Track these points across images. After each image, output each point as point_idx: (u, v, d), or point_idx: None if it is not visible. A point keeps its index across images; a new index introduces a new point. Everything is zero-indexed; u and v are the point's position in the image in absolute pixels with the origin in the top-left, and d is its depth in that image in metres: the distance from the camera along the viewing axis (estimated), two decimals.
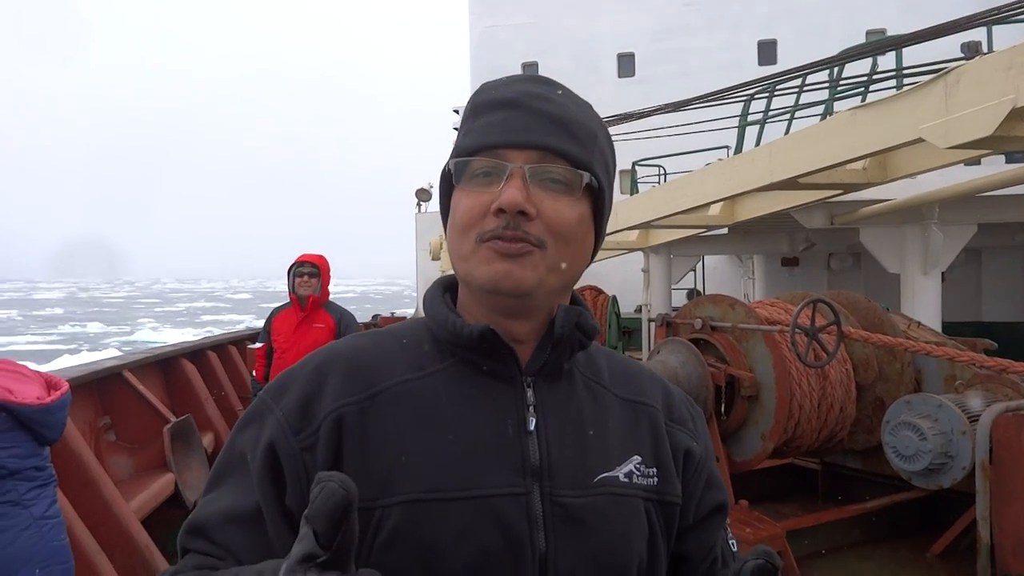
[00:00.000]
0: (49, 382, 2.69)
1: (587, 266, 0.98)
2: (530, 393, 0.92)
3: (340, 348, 0.95)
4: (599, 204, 0.93)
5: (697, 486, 1.00)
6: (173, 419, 5.49)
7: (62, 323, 69.97)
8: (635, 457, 0.95)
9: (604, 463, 0.92)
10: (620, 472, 0.93)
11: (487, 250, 0.87)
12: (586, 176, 0.89)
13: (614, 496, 0.91)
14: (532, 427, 0.90)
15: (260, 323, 5.34)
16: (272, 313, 5.24)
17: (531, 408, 0.91)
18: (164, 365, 6.57)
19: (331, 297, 5.20)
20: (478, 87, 0.96)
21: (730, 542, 1.06)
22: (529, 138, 0.88)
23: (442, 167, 0.95)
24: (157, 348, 7.25)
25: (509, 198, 0.85)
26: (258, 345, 5.25)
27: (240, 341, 8.63)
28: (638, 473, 0.94)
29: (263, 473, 0.87)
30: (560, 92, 0.93)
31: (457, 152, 0.91)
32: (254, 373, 5.26)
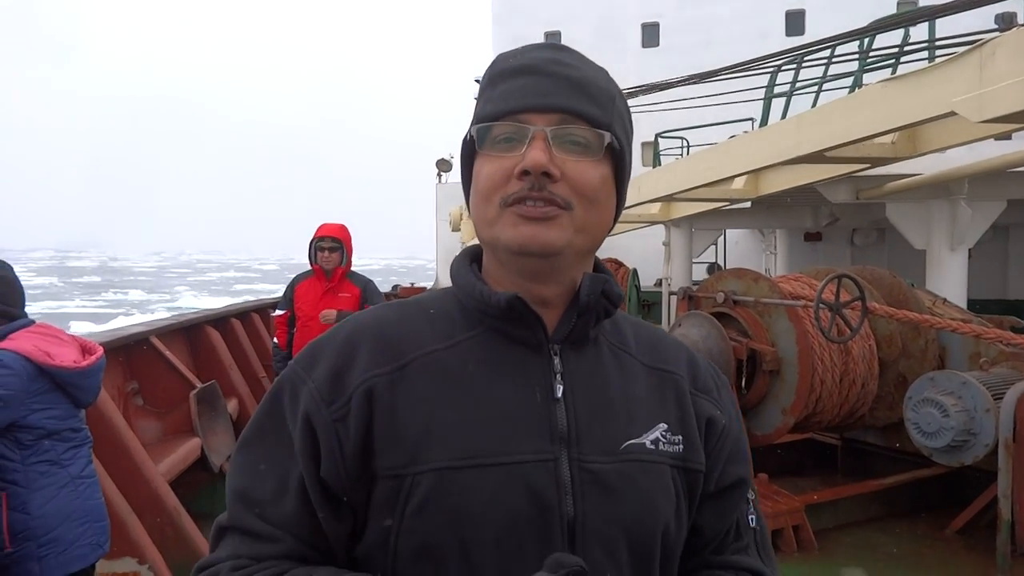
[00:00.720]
0: (84, 346, 2.76)
1: (611, 228, 0.98)
2: (557, 360, 0.93)
3: (368, 319, 0.96)
4: (620, 165, 0.94)
5: (719, 456, 1.00)
6: (199, 385, 5.58)
7: (103, 290, 71.23)
8: (661, 424, 0.95)
9: (631, 430, 0.93)
10: (647, 439, 0.93)
11: (512, 215, 0.88)
12: (607, 136, 0.90)
13: (641, 463, 0.92)
14: (559, 394, 0.91)
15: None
16: (294, 281, 5.26)
17: (558, 375, 0.92)
18: (189, 332, 6.66)
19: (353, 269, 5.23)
20: (494, 58, 0.96)
21: (749, 517, 1.04)
22: (550, 101, 0.88)
23: (463, 136, 0.95)
24: (182, 315, 7.34)
25: (533, 159, 0.86)
26: (280, 312, 5.28)
27: (263, 309, 8.71)
28: (664, 440, 0.94)
29: (303, 444, 0.88)
30: (576, 57, 0.94)
31: (478, 119, 0.92)
32: (276, 340, 5.31)
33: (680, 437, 0.96)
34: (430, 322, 0.95)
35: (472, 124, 0.93)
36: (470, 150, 0.94)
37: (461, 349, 0.92)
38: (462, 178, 0.98)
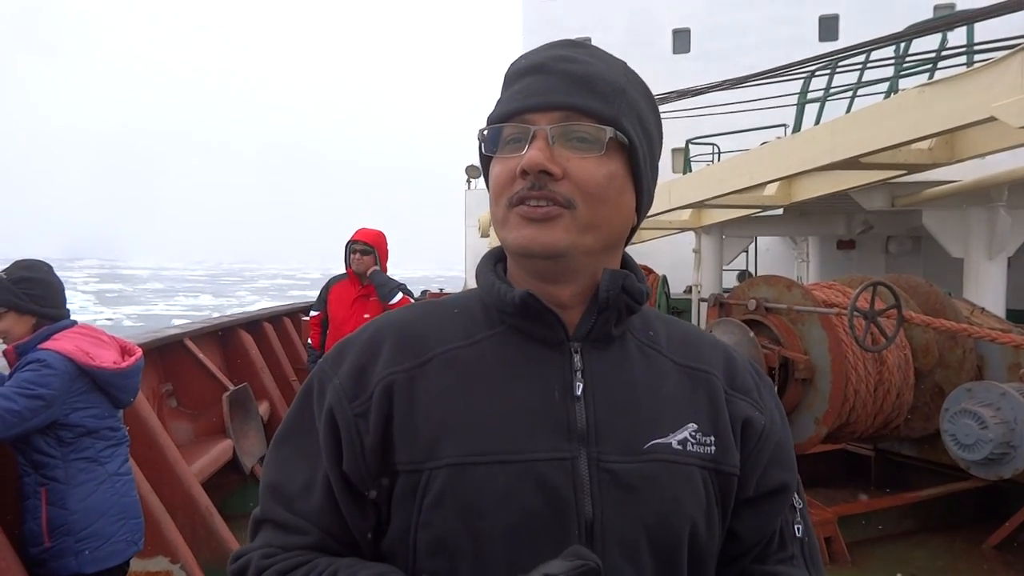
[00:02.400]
0: (124, 348, 2.82)
1: (632, 225, 0.96)
2: (577, 359, 0.92)
3: (394, 318, 0.98)
4: (634, 159, 0.91)
5: (759, 459, 0.96)
6: (231, 387, 5.65)
7: (174, 295, 73.78)
8: (691, 425, 0.92)
9: (656, 429, 0.91)
10: (673, 439, 0.91)
11: (516, 216, 0.88)
12: (609, 131, 0.88)
13: (666, 463, 0.89)
14: (579, 392, 0.90)
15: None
16: (329, 283, 5.34)
17: (578, 373, 0.91)
18: (222, 334, 6.75)
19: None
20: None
21: (795, 526, 1.00)
22: (550, 99, 0.88)
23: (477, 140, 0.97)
24: (215, 318, 7.44)
25: (529, 158, 0.86)
26: (314, 313, 5.38)
27: (294, 313, 8.81)
28: (693, 441, 0.92)
29: (328, 438, 0.91)
30: (587, 52, 0.93)
31: (489, 122, 0.93)
32: (310, 341, 5.40)
33: (712, 438, 0.93)
34: (452, 321, 0.96)
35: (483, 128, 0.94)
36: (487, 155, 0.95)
37: (481, 347, 0.92)
38: (485, 182, 0.98)
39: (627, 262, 1.00)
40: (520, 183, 0.88)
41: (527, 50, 0.96)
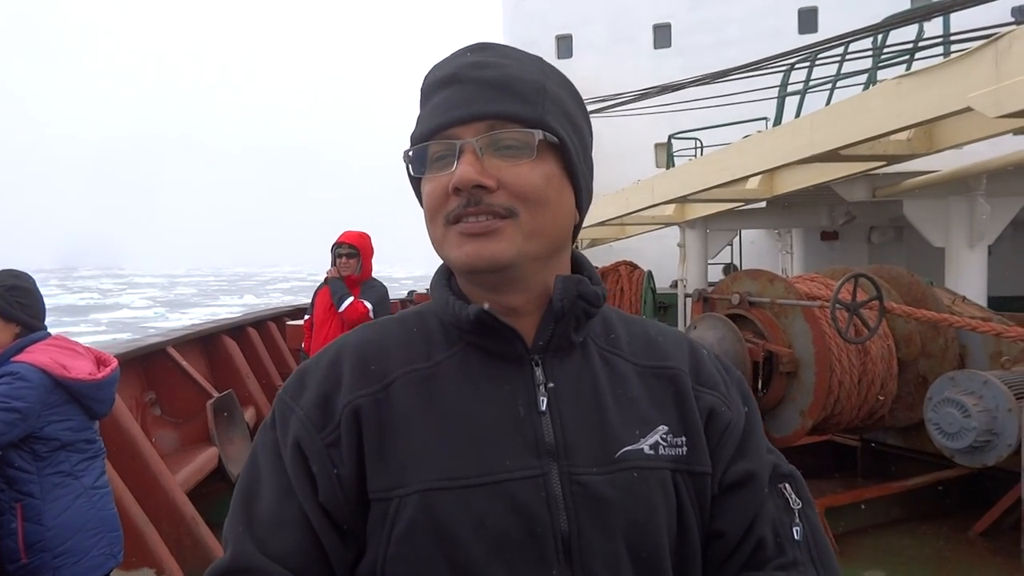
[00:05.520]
0: (99, 358, 2.78)
1: (575, 223, 0.93)
2: (539, 372, 0.89)
3: (352, 340, 0.95)
4: (566, 156, 0.88)
5: (724, 453, 0.93)
6: (216, 394, 5.61)
7: (221, 296, 74.53)
8: (661, 427, 0.90)
9: (626, 436, 0.88)
10: (645, 444, 0.89)
11: (456, 234, 0.86)
12: (538, 133, 0.85)
13: (640, 470, 0.87)
14: (544, 406, 0.87)
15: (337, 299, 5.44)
16: (318, 287, 5.34)
17: (541, 387, 0.89)
18: (206, 341, 6.71)
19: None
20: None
21: (793, 528, 0.95)
22: (471, 110, 0.85)
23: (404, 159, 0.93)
24: (199, 324, 7.39)
25: (460, 175, 0.83)
26: (306, 318, 5.41)
27: (279, 318, 8.76)
28: (665, 444, 0.89)
29: (297, 472, 0.87)
30: (501, 54, 0.90)
31: (411, 142, 0.89)
32: (303, 346, 5.42)
33: (683, 439, 0.91)
34: (412, 340, 0.93)
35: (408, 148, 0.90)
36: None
37: (442, 367, 0.90)
38: (418, 202, 0.94)
39: (580, 263, 0.98)
40: (454, 200, 0.85)
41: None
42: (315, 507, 0.86)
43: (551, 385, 0.89)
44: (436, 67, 0.91)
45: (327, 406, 0.88)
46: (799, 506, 0.96)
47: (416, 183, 0.93)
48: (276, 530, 0.86)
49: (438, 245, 0.90)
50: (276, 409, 0.92)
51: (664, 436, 0.90)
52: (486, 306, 0.89)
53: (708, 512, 0.92)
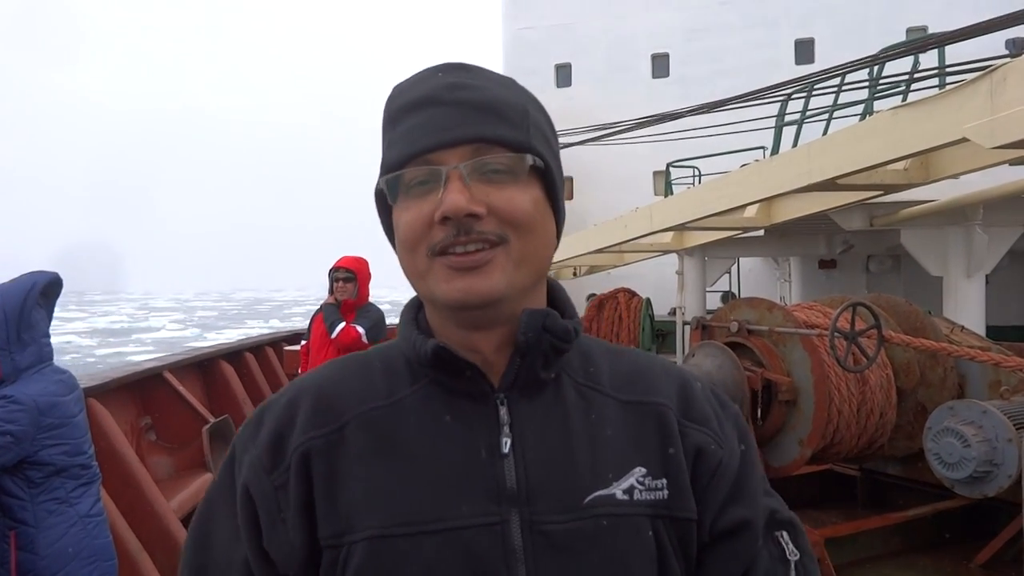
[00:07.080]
0: None
1: (555, 250, 0.90)
2: (504, 411, 0.84)
3: (311, 379, 0.91)
4: (549, 182, 0.85)
5: (715, 496, 0.86)
6: (212, 420, 5.58)
7: (246, 320, 75.61)
8: (638, 469, 0.84)
9: (598, 480, 0.82)
10: (618, 489, 0.82)
11: (442, 267, 0.81)
12: (529, 158, 0.82)
13: (610, 517, 0.81)
14: (507, 448, 0.82)
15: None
16: (314, 313, 5.34)
17: (506, 428, 0.83)
18: (202, 366, 6.69)
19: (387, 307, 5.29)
20: (391, 90, 0.86)
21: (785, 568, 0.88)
22: (459, 134, 0.80)
23: (374, 186, 0.86)
24: (196, 350, 7.38)
25: (451, 204, 0.78)
26: (303, 343, 5.40)
27: (276, 343, 8.75)
28: (641, 487, 0.83)
29: (244, 516, 0.84)
30: (478, 75, 0.85)
31: (386, 168, 0.83)
32: (299, 371, 5.39)
33: (663, 481, 0.84)
34: (373, 377, 0.88)
35: (381, 174, 0.84)
36: (385, 202, 0.86)
37: (402, 405, 0.85)
38: (384, 230, 0.89)
39: (555, 295, 0.93)
40: (440, 231, 0.80)
41: (507, 75, 0.90)
42: (257, 553, 0.83)
43: (515, 425, 0.84)
44: (405, 88, 0.85)
45: (279, 447, 0.84)
46: (796, 557, 0.90)
47: (386, 212, 0.88)
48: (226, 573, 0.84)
49: (418, 278, 0.84)
50: (233, 447, 0.90)
51: (641, 479, 0.84)
52: (442, 342, 0.84)
53: (694, 561, 0.86)
